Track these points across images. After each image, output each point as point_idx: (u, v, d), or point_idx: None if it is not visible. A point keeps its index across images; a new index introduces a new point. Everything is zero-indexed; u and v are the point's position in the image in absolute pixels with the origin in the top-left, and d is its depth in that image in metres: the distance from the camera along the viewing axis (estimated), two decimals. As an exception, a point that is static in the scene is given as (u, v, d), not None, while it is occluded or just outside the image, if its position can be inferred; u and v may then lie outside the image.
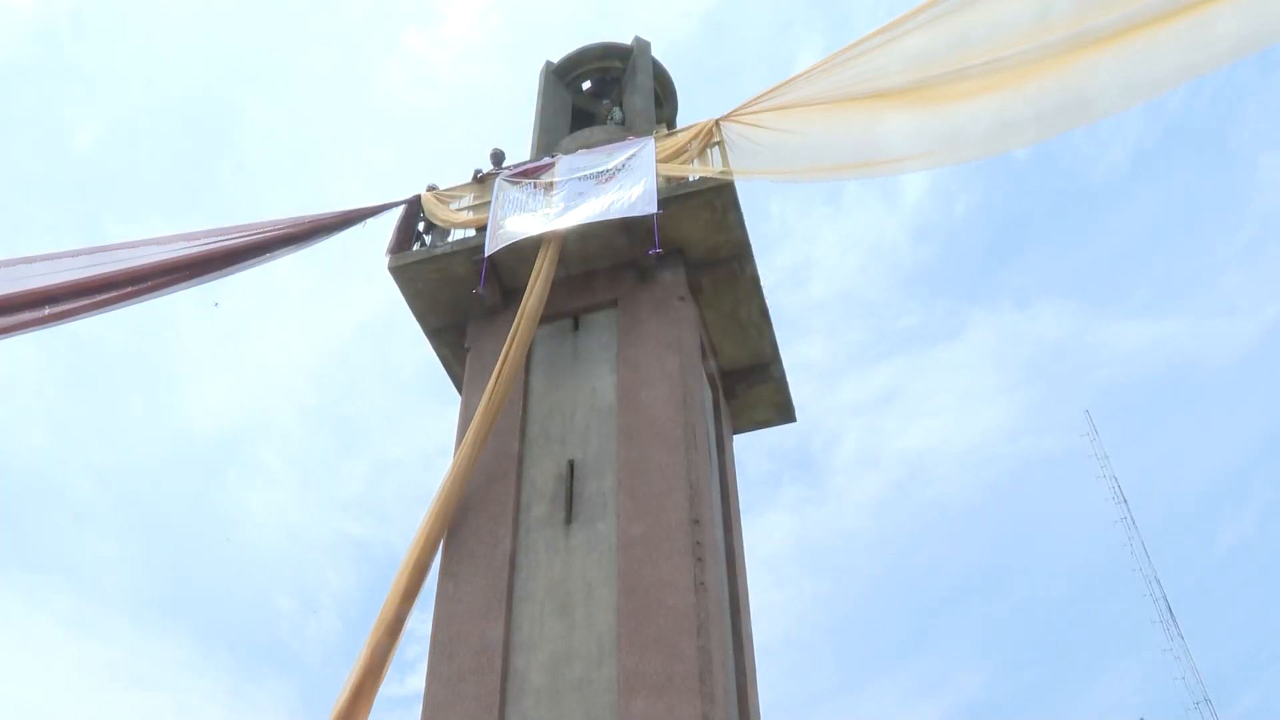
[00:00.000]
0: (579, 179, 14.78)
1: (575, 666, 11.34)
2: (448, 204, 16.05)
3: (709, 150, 14.77)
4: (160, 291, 13.82)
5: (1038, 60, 11.09)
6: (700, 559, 11.57)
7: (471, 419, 13.05)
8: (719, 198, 14.21)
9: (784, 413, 17.09)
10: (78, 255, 13.63)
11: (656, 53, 19.56)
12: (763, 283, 15.23)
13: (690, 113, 19.79)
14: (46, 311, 12.62)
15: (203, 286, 14.31)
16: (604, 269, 14.80)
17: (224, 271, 14.49)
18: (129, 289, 13.46)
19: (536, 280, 13.77)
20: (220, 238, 14.58)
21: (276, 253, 15.05)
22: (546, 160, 15.82)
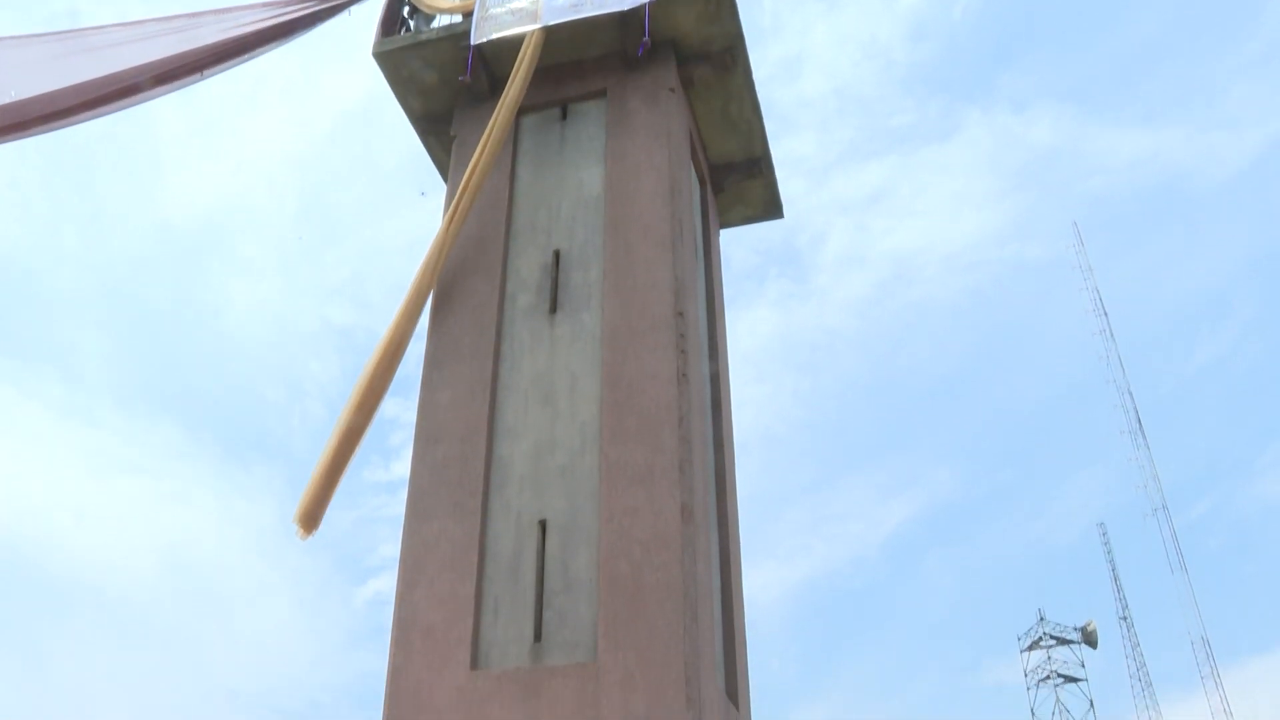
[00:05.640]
0: (570, -37, 14.32)
1: (558, 455, 11.51)
2: (434, -13, 15.56)
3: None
4: (142, 99, 13.48)
5: None
6: (683, 351, 11.63)
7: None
8: (712, -14, 13.77)
9: (772, 208, 16.97)
10: (45, 39, 13.22)
11: None
12: (754, 76, 14.93)
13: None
14: (27, 126, 12.34)
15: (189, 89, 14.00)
16: (593, 58, 14.43)
17: (208, 73, 14.11)
18: (114, 103, 13.12)
19: (520, 68, 13.50)
20: (196, 24, 14.13)
21: (262, 49, 14.63)
22: (536, -57, 15.29)
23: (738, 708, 12.12)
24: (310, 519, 11.62)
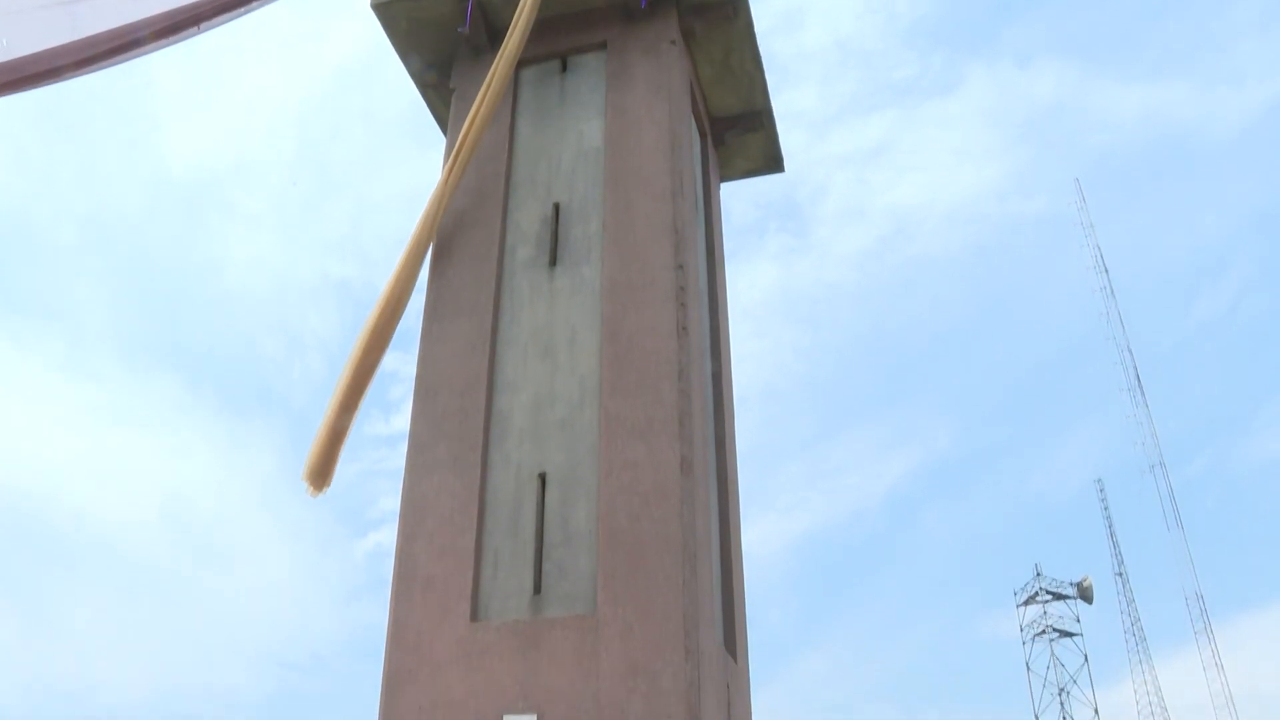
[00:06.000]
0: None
1: (557, 408, 11.52)
2: (432, -63, 15.38)
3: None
4: (140, 53, 13.32)
5: None
6: (683, 305, 11.61)
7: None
8: (713, -64, 13.64)
9: (772, 162, 16.88)
10: None
11: None
12: (755, 28, 14.80)
13: None
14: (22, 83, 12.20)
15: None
16: (593, 9, 14.28)
17: (205, 26, 13.94)
18: (111, 58, 12.96)
19: (519, 20, 13.36)
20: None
21: (261, 1, 14.44)
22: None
23: (736, 660, 12.20)
24: (319, 476, 11.64)
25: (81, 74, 12.87)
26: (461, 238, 12.88)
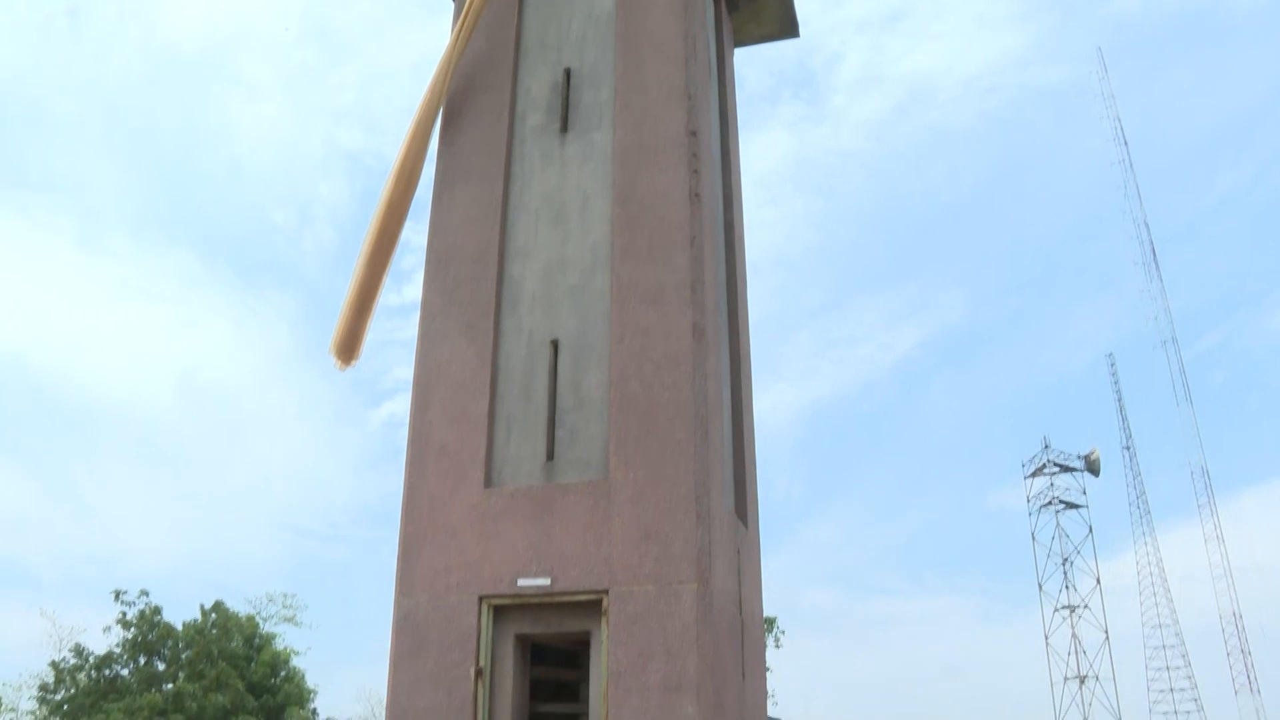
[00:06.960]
0: None
1: (569, 275, 11.48)
2: None
3: None
4: None
5: None
6: (696, 171, 11.48)
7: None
8: None
9: (787, 27, 16.51)
10: None
11: None
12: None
13: None
14: None
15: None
16: None
17: None
18: None
19: None
20: None
21: None
22: None
23: (746, 525, 12.33)
24: (346, 349, 11.74)
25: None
26: (471, 104, 12.71)
